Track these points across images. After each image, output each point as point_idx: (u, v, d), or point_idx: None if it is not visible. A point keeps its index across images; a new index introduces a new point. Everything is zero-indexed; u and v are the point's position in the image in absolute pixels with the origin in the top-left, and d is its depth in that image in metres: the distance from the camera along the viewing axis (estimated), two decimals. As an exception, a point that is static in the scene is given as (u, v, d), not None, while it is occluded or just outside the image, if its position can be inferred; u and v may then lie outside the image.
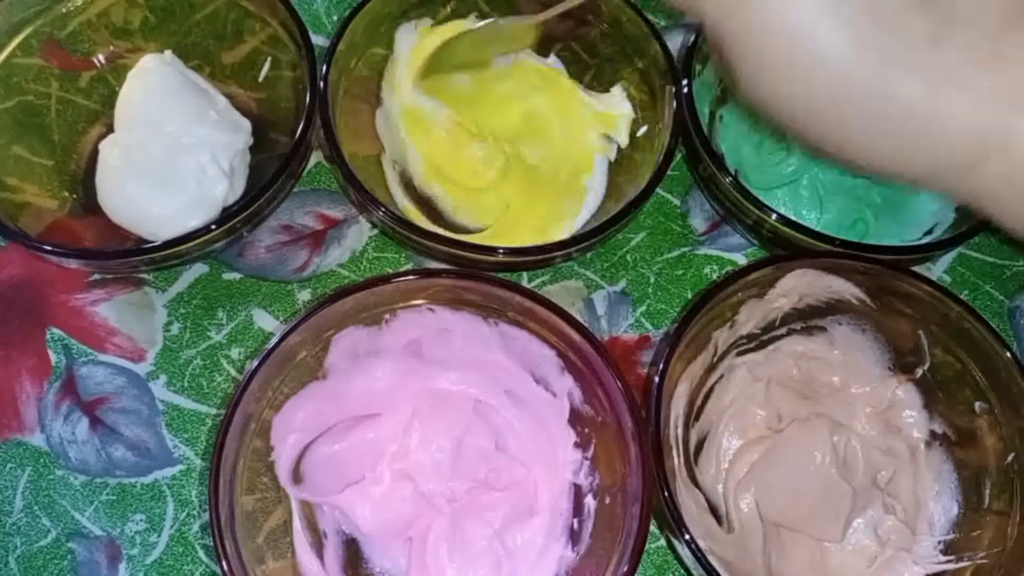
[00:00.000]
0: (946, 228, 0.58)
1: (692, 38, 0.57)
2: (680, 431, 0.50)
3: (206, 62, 0.60)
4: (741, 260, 0.61)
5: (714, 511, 0.51)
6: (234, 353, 0.56)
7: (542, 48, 0.62)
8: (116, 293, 0.57)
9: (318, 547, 0.49)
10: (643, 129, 0.59)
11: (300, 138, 0.52)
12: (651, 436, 0.46)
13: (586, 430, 0.50)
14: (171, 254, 0.51)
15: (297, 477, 0.49)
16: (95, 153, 0.55)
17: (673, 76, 0.55)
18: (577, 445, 0.50)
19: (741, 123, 0.61)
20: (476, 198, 0.59)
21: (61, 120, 0.57)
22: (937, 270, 0.62)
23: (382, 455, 0.50)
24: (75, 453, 0.53)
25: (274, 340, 0.45)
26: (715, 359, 0.53)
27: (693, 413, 0.53)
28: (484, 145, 0.59)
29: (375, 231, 0.60)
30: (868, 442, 0.52)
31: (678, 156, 0.62)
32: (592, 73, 0.62)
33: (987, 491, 0.51)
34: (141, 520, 0.52)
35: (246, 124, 0.57)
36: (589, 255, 0.60)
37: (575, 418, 0.51)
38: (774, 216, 0.53)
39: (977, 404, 0.51)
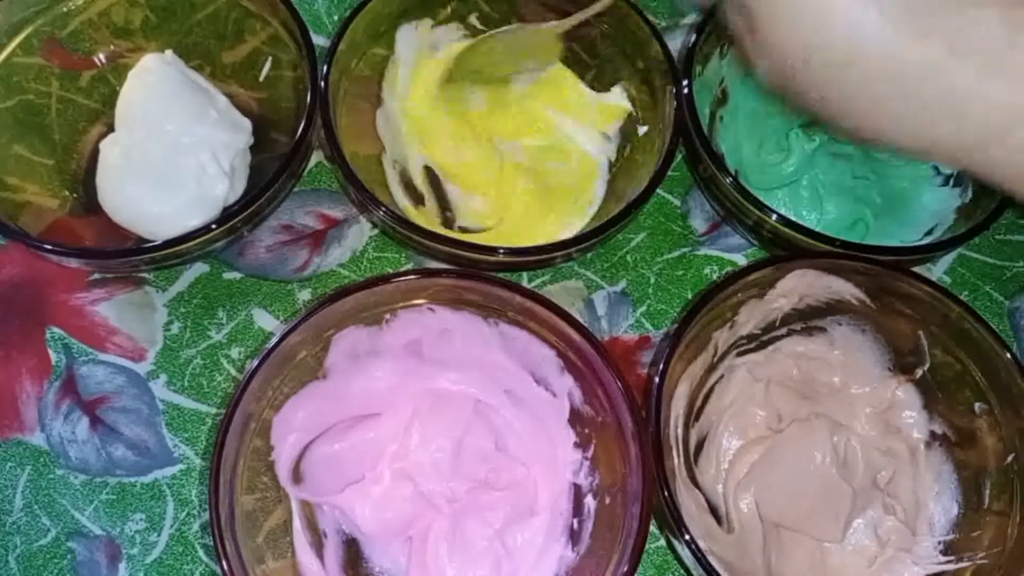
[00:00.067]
0: (946, 229, 0.58)
1: (692, 39, 0.57)
2: (680, 431, 0.50)
3: (207, 61, 0.60)
4: (741, 261, 0.61)
5: (714, 511, 0.51)
6: (234, 353, 0.56)
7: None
8: (116, 292, 0.57)
9: (318, 547, 0.49)
10: (643, 129, 0.59)
11: (301, 138, 0.52)
12: (651, 436, 0.46)
13: (586, 430, 0.50)
14: (171, 253, 0.51)
15: (297, 477, 0.49)
16: (96, 152, 0.55)
17: (673, 76, 0.55)
18: (577, 445, 0.51)
19: (741, 124, 0.62)
20: (477, 198, 0.59)
21: (62, 119, 0.57)
22: (937, 271, 0.62)
23: (382, 455, 0.50)
24: (75, 452, 0.53)
25: (274, 340, 0.45)
26: (715, 359, 0.53)
27: (693, 413, 0.53)
28: (486, 146, 0.59)
29: (375, 231, 0.60)
30: (868, 442, 0.52)
31: (678, 157, 0.63)
32: (592, 73, 0.62)
33: (987, 491, 0.51)
34: (141, 519, 0.52)
35: (247, 124, 0.57)
36: (589, 255, 0.60)
37: (575, 418, 0.51)
38: (774, 217, 0.53)
39: (977, 405, 0.51)
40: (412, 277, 0.48)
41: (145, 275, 0.57)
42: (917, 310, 0.52)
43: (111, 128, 0.56)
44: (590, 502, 0.49)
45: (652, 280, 0.60)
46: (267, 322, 0.57)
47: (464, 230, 0.59)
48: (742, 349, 0.54)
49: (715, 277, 0.61)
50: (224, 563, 0.42)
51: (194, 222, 0.52)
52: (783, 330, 0.55)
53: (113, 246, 0.54)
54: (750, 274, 0.50)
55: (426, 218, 0.58)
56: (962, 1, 0.37)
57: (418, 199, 0.59)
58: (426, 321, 0.50)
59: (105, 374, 0.55)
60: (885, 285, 0.52)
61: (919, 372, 0.53)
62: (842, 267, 0.52)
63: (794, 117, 0.61)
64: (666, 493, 0.45)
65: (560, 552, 0.49)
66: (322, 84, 0.53)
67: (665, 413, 0.48)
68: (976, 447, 0.51)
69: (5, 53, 0.54)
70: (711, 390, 0.54)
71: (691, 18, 0.68)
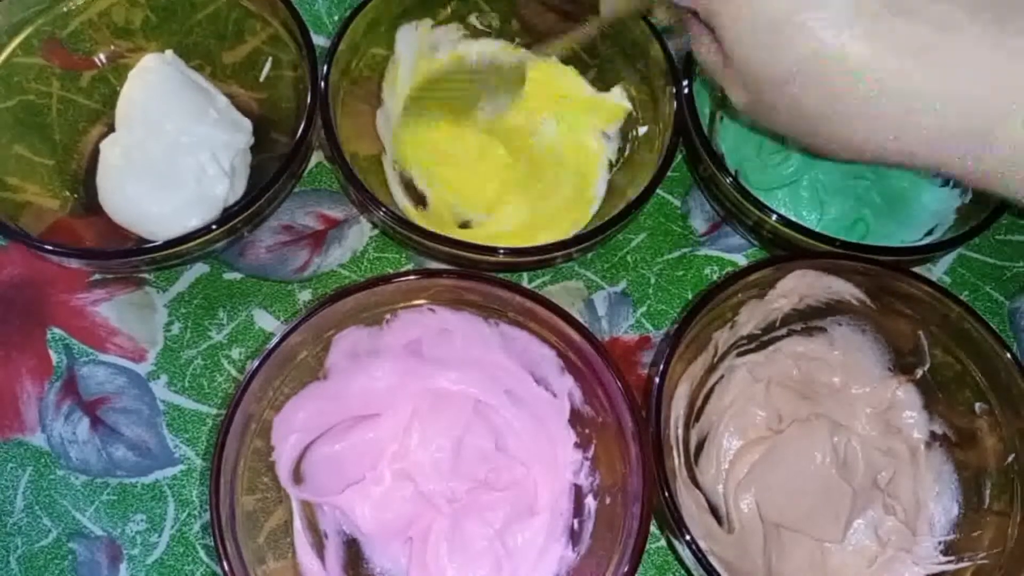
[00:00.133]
0: (946, 229, 0.58)
1: (693, 39, 0.57)
2: (680, 431, 0.50)
3: (207, 62, 0.60)
4: (741, 261, 0.61)
5: (714, 511, 0.51)
6: (235, 353, 0.56)
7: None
8: (117, 293, 0.57)
9: (319, 547, 0.49)
10: (643, 129, 0.59)
11: (301, 138, 0.52)
12: (651, 436, 0.46)
13: (586, 430, 0.50)
14: (172, 254, 0.51)
15: (298, 477, 0.49)
16: (96, 152, 0.55)
17: (673, 76, 0.55)
18: (577, 445, 0.51)
19: (741, 124, 0.62)
20: (472, 195, 0.59)
21: (62, 119, 0.57)
22: (937, 271, 0.62)
23: (382, 455, 0.50)
24: (76, 453, 0.53)
25: (275, 340, 0.45)
26: (715, 360, 0.53)
27: (693, 413, 0.53)
28: (483, 144, 0.59)
29: (376, 231, 0.60)
30: (868, 443, 0.52)
31: (678, 157, 0.63)
32: (593, 73, 0.62)
33: (987, 492, 0.51)
34: (142, 520, 0.52)
35: (247, 124, 0.57)
36: (589, 255, 0.60)
37: (575, 418, 0.51)
38: (774, 217, 0.53)
39: (977, 405, 0.51)
40: (412, 277, 0.48)
41: (145, 275, 0.57)
42: (917, 310, 0.52)
43: (111, 128, 0.56)
44: (590, 502, 0.49)
45: (652, 280, 0.60)
46: (267, 322, 0.57)
47: (466, 225, 0.58)
48: (742, 349, 0.54)
49: (715, 277, 0.61)
50: (225, 564, 0.42)
51: (194, 222, 0.53)
52: (783, 330, 0.55)
53: (113, 246, 0.54)
54: (750, 274, 0.50)
55: (427, 219, 0.58)
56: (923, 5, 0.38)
57: (419, 199, 0.59)
58: (426, 321, 0.50)
59: (106, 375, 0.55)
60: (885, 285, 0.52)
61: (919, 372, 0.53)
62: (842, 267, 0.52)
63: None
64: (666, 493, 0.45)
65: (560, 552, 0.49)
66: (322, 84, 0.53)
67: (665, 413, 0.48)
68: (976, 447, 0.51)
69: (5, 53, 0.54)
70: (711, 390, 0.54)
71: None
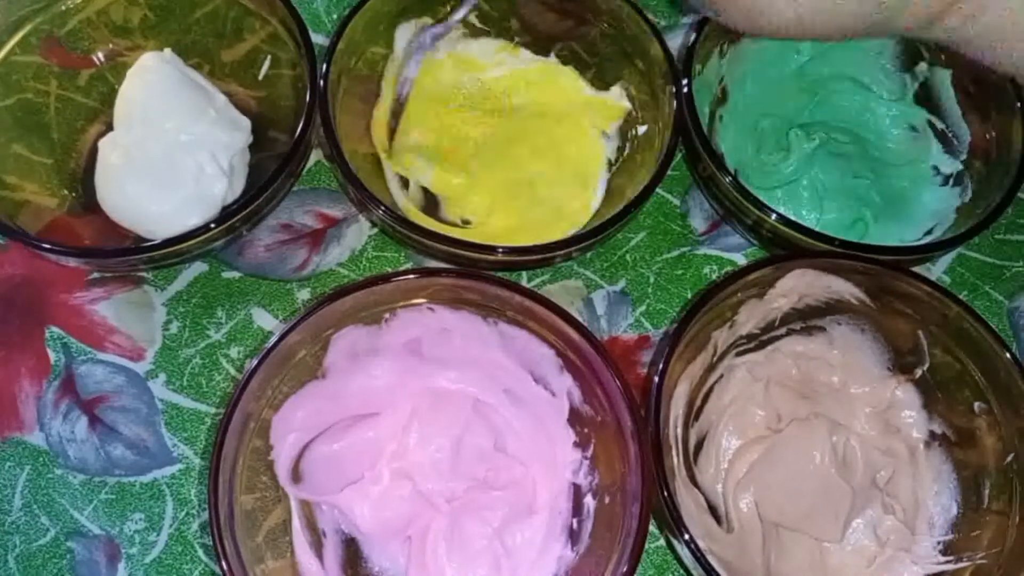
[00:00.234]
0: (946, 228, 0.58)
1: (692, 38, 0.57)
2: (679, 431, 0.50)
3: (206, 60, 0.59)
4: (741, 260, 0.61)
5: (713, 511, 0.51)
6: (233, 352, 0.56)
7: (542, 48, 0.63)
8: (115, 292, 0.57)
9: (317, 546, 0.49)
10: (643, 129, 0.59)
11: (300, 137, 0.52)
12: (650, 436, 0.46)
13: (585, 429, 0.50)
14: (170, 253, 0.51)
15: (296, 476, 0.49)
16: (94, 151, 0.55)
17: (673, 76, 0.55)
18: (576, 444, 0.51)
19: (741, 123, 0.62)
20: (471, 195, 0.59)
21: (60, 118, 0.57)
22: (937, 270, 0.62)
23: (381, 454, 0.50)
24: (74, 452, 0.53)
25: (273, 339, 0.45)
26: (714, 359, 0.53)
27: (692, 413, 0.53)
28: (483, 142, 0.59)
29: (375, 230, 0.60)
30: (867, 442, 0.52)
31: (678, 156, 0.62)
32: (592, 72, 0.62)
33: (986, 491, 0.51)
34: (140, 519, 0.52)
35: (245, 122, 0.57)
36: (589, 255, 0.60)
37: (574, 417, 0.51)
38: (774, 216, 0.53)
39: (976, 404, 0.51)
40: (411, 276, 0.48)
41: (144, 274, 0.57)
42: (917, 310, 0.52)
43: (110, 127, 0.56)
44: (589, 501, 0.49)
45: (651, 279, 0.60)
46: (266, 321, 0.57)
47: (466, 223, 0.59)
48: (741, 349, 0.54)
49: (714, 276, 0.61)
50: (223, 563, 0.42)
51: (193, 221, 0.52)
52: (782, 330, 0.55)
53: (112, 245, 0.54)
54: (750, 274, 0.50)
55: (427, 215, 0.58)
56: None
57: (418, 197, 0.59)
58: (425, 320, 0.50)
59: (104, 373, 0.55)
60: (885, 285, 0.52)
61: (918, 372, 0.53)
62: (841, 267, 0.52)
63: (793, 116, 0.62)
64: (665, 493, 0.45)
65: (559, 552, 0.49)
66: (321, 83, 0.53)
67: (664, 413, 0.48)
68: (975, 447, 0.51)
69: (4, 51, 0.54)
70: (711, 390, 0.54)
71: (691, 17, 0.68)
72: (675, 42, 0.65)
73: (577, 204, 0.59)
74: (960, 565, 0.50)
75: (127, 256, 0.51)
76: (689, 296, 0.60)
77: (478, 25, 0.62)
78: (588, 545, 0.49)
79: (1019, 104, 0.57)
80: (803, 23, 0.47)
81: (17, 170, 0.54)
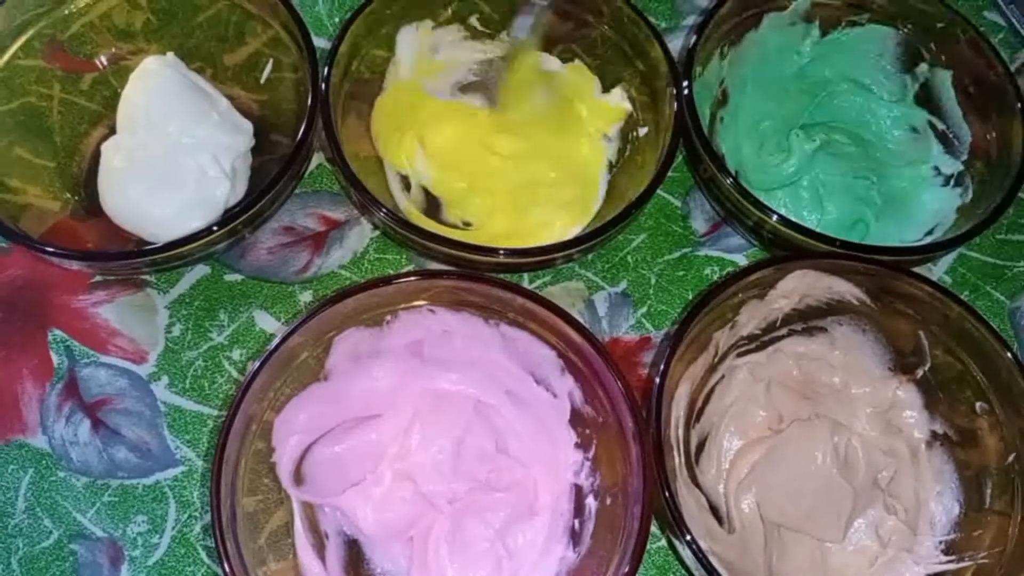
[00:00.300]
0: (947, 229, 0.58)
1: (692, 40, 0.57)
2: (681, 432, 0.50)
3: (208, 64, 0.60)
4: (742, 261, 0.61)
5: (715, 511, 0.51)
6: (236, 354, 0.56)
7: (543, 50, 0.63)
8: (118, 295, 0.57)
9: (320, 548, 0.49)
10: (644, 130, 0.59)
11: (302, 140, 0.52)
12: (652, 437, 0.46)
13: (587, 431, 0.50)
14: (173, 256, 0.51)
15: (298, 478, 0.49)
16: (97, 155, 0.56)
17: (674, 78, 0.55)
18: (578, 446, 0.51)
19: (741, 124, 0.62)
20: (473, 197, 0.59)
21: (63, 122, 0.57)
22: (938, 271, 0.62)
23: (383, 456, 0.50)
24: (77, 454, 0.53)
25: (275, 341, 0.46)
26: (716, 360, 0.53)
27: (694, 414, 0.53)
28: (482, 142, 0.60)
29: (376, 232, 0.60)
30: (869, 442, 0.52)
31: (679, 157, 0.63)
32: (594, 74, 0.62)
33: (988, 491, 0.51)
34: (143, 521, 0.52)
35: (248, 126, 0.57)
36: (590, 256, 0.60)
37: (576, 419, 0.51)
38: (775, 217, 0.53)
39: (978, 404, 0.51)
40: (413, 278, 0.48)
41: (146, 277, 0.57)
42: (918, 310, 0.52)
43: (112, 130, 0.56)
44: (591, 503, 0.49)
45: (653, 281, 0.60)
46: (268, 324, 0.57)
47: (467, 225, 0.59)
48: (743, 349, 0.54)
49: (716, 278, 0.61)
50: (226, 565, 0.42)
51: (195, 224, 0.53)
52: (784, 330, 0.55)
53: (114, 248, 0.55)
54: (751, 274, 0.50)
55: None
56: None
57: (420, 199, 0.59)
58: (427, 322, 0.50)
59: (107, 376, 0.55)
60: (886, 285, 0.52)
61: (920, 372, 0.53)
62: (842, 267, 0.52)
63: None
64: (667, 493, 0.45)
65: (561, 553, 0.49)
66: (323, 86, 0.53)
67: (666, 414, 0.48)
68: (977, 447, 0.51)
69: (7, 56, 0.54)
70: (712, 390, 0.54)
71: (691, 19, 0.69)
72: (676, 44, 0.66)
73: (578, 206, 0.59)
74: (962, 565, 0.50)
75: (130, 259, 0.51)
76: (690, 297, 0.60)
77: (479, 27, 0.62)
78: (590, 546, 0.49)
79: (1019, 104, 0.57)
80: None
81: (20, 174, 0.55)
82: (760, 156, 0.61)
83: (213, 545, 0.43)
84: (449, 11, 0.61)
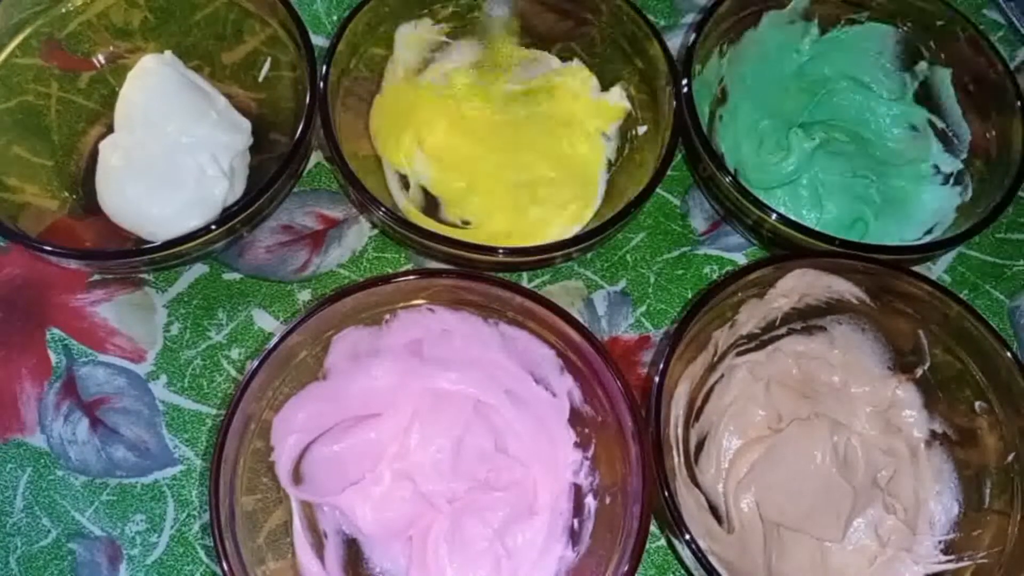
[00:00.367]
0: (946, 228, 0.58)
1: (692, 38, 0.57)
2: (680, 431, 0.50)
3: (206, 62, 0.60)
4: (741, 260, 0.61)
5: (714, 511, 0.51)
6: (234, 353, 0.56)
7: (542, 48, 0.63)
8: (116, 294, 0.57)
9: (318, 547, 0.49)
10: (643, 129, 0.59)
11: (300, 138, 0.52)
12: (651, 436, 0.46)
13: (586, 430, 0.50)
14: (171, 254, 0.51)
15: (297, 477, 0.49)
16: (95, 153, 0.55)
17: (673, 76, 0.55)
18: (577, 445, 0.51)
19: (741, 123, 0.62)
20: (471, 195, 0.59)
21: (61, 120, 0.57)
22: (937, 270, 0.62)
23: (382, 455, 0.50)
24: (75, 453, 0.53)
25: (274, 340, 0.45)
26: (715, 359, 0.53)
27: (693, 413, 0.53)
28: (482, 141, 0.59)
29: (375, 231, 0.60)
30: (868, 442, 0.52)
31: (678, 156, 0.63)
32: (592, 73, 0.62)
33: (988, 491, 0.51)
34: (141, 520, 0.52)
35: (246, 124, 0.57)
36: (589, 255, 0.60)
37: (575, 418, 0.51)
38: (774, 216, 0.53)
39: (977, 404, 0.51)
40: (412, 277, 0.48)
41: (145, 276, 0.57)
42: (917, 309, 0.52)
43: (110, 129, 0.56)
44: (590, 502, 0.49)
45: (652, 280, 0.60)
46: (267, 323, 0.57)
47: (447, 223, 0.59)
48: (742, 348, 0.54)
49: (715, 276, 0.61)
50: (224, 564, 0.42)
51: (194, 223, 0.53)
52: (783, 329, 0.55)
53: (113, 247, 0.55)
54: (750, 273, 0.50)
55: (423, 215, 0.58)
56: None
57: (419, 199, 0.59)
58: (426, 321, 0.50)
59: (105, 375, 0.55)
60: (885, 284, 0.52)
61: (919, 371, 0.53)
62: (842, 266, 0.52)
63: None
64: (666, 493, 0.45)
65: (560, 552, 0.49)
66: (321, 84, 0.53)
67: (665, 413, 0.48)
68: (977, 446, 0.51)
69: (4, 54, 0.54)
70: (711, 390, 0.54)
71: (690, 17, 0.69)
72: (675, 42, 0.66)
73: (577, 205, 0.59)
74: (961, 564, 0.50)
75: (128, 258, 0.51)
76: (689, 296, 0.60)
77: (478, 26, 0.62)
78: (589, 545, 0.49)
79: (1019, 103, 0.57)
80: None
81: (18, 172, 0.54)
82: (759, 155, 0.61)
83: (212, 544, 0.42)
84: (448, 11, 0.61)
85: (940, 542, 0.51)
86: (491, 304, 0.49)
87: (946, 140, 0.62)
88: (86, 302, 0.57)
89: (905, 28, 0.62)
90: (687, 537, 0.44)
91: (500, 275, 0.52)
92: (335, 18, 0.66)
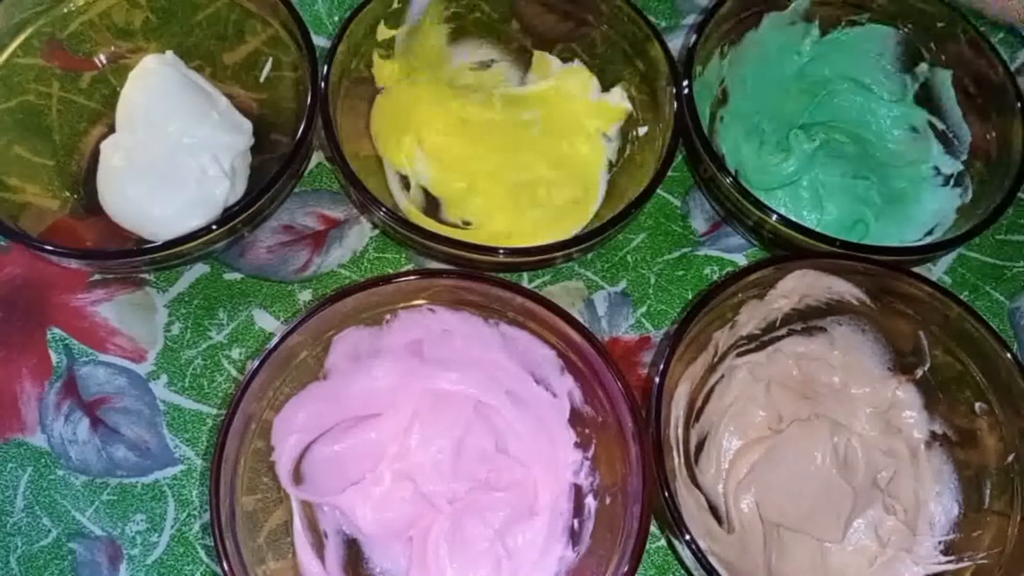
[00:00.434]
0: (946, 229, 0.58)
1: (693, 39, 0.57)
2: (680, 431, 0.50)
3: (207, 62, 0.60)
4: (741, 261, 0.61)
5: (714, 511, 0.51)
6: (235, 353, 0.56)
7: (543, 49, 0.63)
8: (117, 293, 0.57)
9: (319, 547, 0.49)
10: (644, 130, 0.59)
11: (301, 138, 0.52)
12: (651, 436, 0.46)
13: (587, 430, 0.50)
14: (172, 254, 0.51)
15: (298, 477, 0.49)
16: (96, 153, 0.56)
17: (674, 77, 0.55)
18: (578, 445, 0.51)
19: (741, 124, 0.62)
20: (472, 195, 0.59)
21: (62, 120, 0.57)
22: (937, 271, 0.62)
23: (383, 455, 0.50)
24: (76, 453, 0.53)
25: (275, 340, 0.45)
26: (715, 360, 0.53)
27: (693, 414, 0.53)
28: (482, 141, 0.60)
29: (376, 231, 0.60)
30: (868, 442, 0.52)
31: (678, 157, 0.63)
32: (593, 74, 0.62)
33: (987, 491, 0.51)
34: (142, 520, 0.52)
35: (247, 125, 0.57)
36: (590, 256, 0.60)
37: (576, 418, 0.51)
38: (774, 217, 0.53)
39: (977, 405, 0.51)
40: (412, 278, 0.48)
41: (146, 276, 0.57)
42: (917, 310, 0.52)
43: (112, 129, 0.56)
44: (591, 502, 0.49)
45: (652, 280, 0.60)
46: (268, 323, 0.57)
47: (448, 224, 0.59)
48: (742, 349, 0.54)
49: (715, 277, 0.61)
50: (225, 563, 0.42)
51: (195, 223, 0.53)
52: (783, 330, 0.55)
53: (114, 247, 0.55)
54: (750, 274, 0.50)
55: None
56: None
57: (420, 199, 0.59)
58: (426, 322, 0.50)
59: (106, 375, 0.55)
60: (885, 285, 0.52)
61: (919, 372, 0.53)
62: (842, 267, 0.52)
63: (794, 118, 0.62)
64: (666, 493, 0.45)
65: (560, 552, 0.49)
66: (322, 85, 0.53)
67: (665, 413, 0.48)
68: (977, 447, 0.51)
69: (6, 54, 0.54)
70: (711, 390, 0.54)
71: (691, 19, 0.69)
72: (675, 43, 0.66)
73: (578, 205, 0.59)
74: (961, 565, 0.50)
75: (129, 258, 0.51)
76: (690, 297, 0.60)
77: (479, 27, 0.62)
78: (589, 546, 0.49)
79: (1019, 104, 0.57)
80: None
81: (19, 172, 0.54)
82: (760, 156, 0.61)
83: (212, 544, 0.42)
84: (449, 11, 0.61)
85: (940, 543, 0.51)
86: (492, 304, 0.50)
87: (946, 142, 0.62)
88: (87, 302, 0.57)
89: (906, 29, 0.62)
90: (687, 537, 0.44)
91: (501, 275, 0.52)
92: (336, 18, 0.66)
